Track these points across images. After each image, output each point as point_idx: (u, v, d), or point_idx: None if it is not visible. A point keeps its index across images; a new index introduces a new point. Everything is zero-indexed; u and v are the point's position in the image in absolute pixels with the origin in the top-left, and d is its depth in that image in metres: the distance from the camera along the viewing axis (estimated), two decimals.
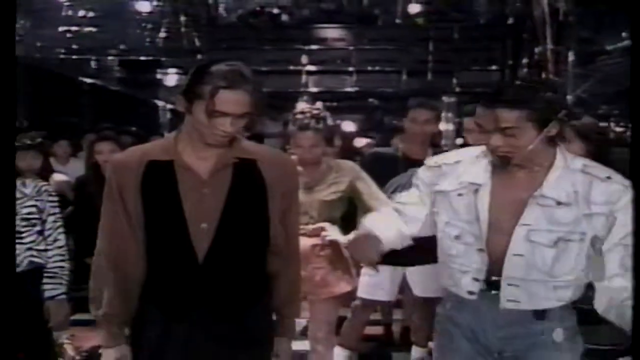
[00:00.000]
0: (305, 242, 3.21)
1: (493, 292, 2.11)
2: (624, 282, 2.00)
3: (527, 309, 2.11)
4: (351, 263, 3.52)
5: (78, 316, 3.90)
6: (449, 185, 2.20)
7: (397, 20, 11.99)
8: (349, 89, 11.12)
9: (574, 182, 2.07)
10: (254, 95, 2.01)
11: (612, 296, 2.03)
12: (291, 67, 11.11)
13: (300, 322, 4.66)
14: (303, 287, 3.27)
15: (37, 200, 3.32)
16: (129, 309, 2.13)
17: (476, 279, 2.13)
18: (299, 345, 4.05)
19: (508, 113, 2.02)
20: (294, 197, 2.28)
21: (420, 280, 3.94)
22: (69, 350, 4.44)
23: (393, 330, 5.00)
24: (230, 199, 2.07)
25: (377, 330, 5.00)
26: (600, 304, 2.08)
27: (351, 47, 11.10)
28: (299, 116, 3.24)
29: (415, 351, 4.18)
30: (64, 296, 3.31)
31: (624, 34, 9.46)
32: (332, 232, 3.24)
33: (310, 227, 3.23)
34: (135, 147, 2.28)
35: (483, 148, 2.17)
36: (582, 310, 2.27)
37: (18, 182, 3.32)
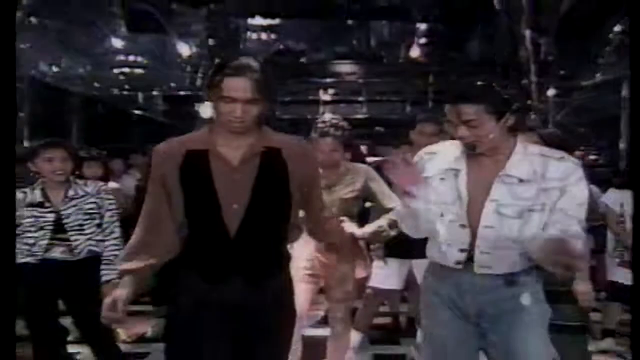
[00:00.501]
0: None
1: (470, 263, 2.12)
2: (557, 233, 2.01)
3: (497, 274, 2.11)
4: (365, 254, 3.52)
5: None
6: (432, 172, 2.21)
7: (401, 60, 12.06)
8: (360, 116, 11.14)
9: (533, 163, 2.09)
10: (259, 82, 1.99)
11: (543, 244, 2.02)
12: (310, 98, 11.17)
13: (318, 313, 4.66)
14: (325, 276, 3.31)
15: (97, 198, 3.33)
16: (147, 272, 2.14)
17: (462, 250, 2.13)
18: (320, 332, 4.05)
19: (468, 108, 2.05)
20: (315, 180, 2.28)
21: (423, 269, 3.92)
22: (121, 334, 4.45)
23: (400, 320, 4.97)
24: (258, 184, 2.07)
25: (387, 320, 4.99)
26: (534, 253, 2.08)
27: (361, 81, 11.16)
28: (321, 125, 3.23)
29: (420, 333, 4.14)
30: (116, 279, 3.30)
31: (597, 75, 9.52)
32: (350, 226, 3.23)
33: None
34: (176, 138, 2.28)
35: (457, 142, 2.18)
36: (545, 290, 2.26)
37: (81, 182, 3.37)
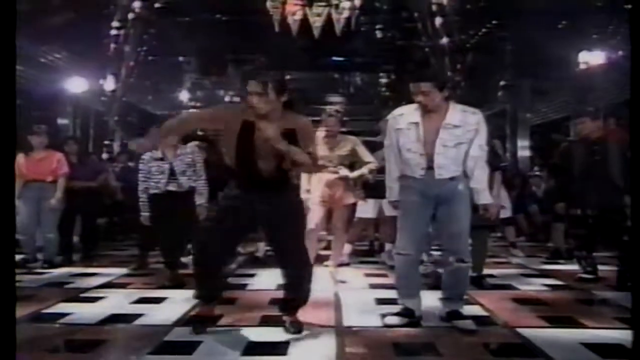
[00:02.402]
0: (330, 176, 3.64)
1: (430, 171, 2.52)
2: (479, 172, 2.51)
3: (446, 177, 2.51)
4: (354, 188, 3.85)
5: None
6: (402, 125, 2.56)
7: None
8: (343, 129, 11.16)
9: (459, 115, 2.50)
10: (264, 83, 2.24)
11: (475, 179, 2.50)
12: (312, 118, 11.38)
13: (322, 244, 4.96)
14: (330, 202, 3.68)
15: (192, 154, 3.62)
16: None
17: (422, 168, 2.53)
18: (325, 252, 4.38)
19: (424, 84, 2.47)
20: (310, 139, 2.45)
21: (388, 206, 4.27)
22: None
23: (374, 245, 5.28)
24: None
25: (365, 247, 5.32)
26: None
27: (345, 106, 11.39)
28: (328, 110, 3.71)
29: (387, 246, 4.48)
30: (205, 204, 3.62)
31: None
32: (344, 171, 3.66)
33: (332, 168, 3.63)
34: (235, 109, 2.49)
35: (415, 105, 2.55)
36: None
37: (183, 145, 3.61)
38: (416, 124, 2.52)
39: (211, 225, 2.47)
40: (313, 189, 3.67)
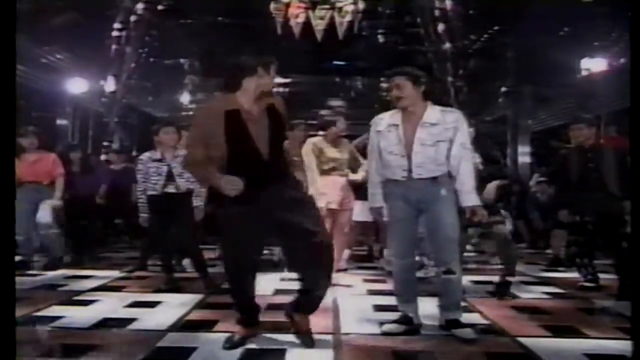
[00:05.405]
0: (343, 180, 3.71)
1: (411, 173, 2.47)
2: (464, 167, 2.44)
3: (425, 177, 2.45)
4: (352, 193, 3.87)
5: None
6: (382, 127, 2.54)
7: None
8: (344, 133, 11.13)
9: (438, 114, 2.47)
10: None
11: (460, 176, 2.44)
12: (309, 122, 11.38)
13: None
14: (340, 205, 3.71)
15: None
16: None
17: (404, 170, 2.48)
18: None
19: (398, 78, 2.46)
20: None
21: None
22: None
23: (373, 250, 5.22)
24: (271, 125, 2.23)
25: (364, 252, 5.26)
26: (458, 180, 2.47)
27: (345, 110, 11.39)
28: (338, 112, 3.74)
29: (386, 251, 4.40)
30: (202, 206, 3.59)
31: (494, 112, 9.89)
32: (353, 174, 3.73)
33: (342, 172, 3.71)
34: (213, 104, 2.36)
35: (396, 110, 2.51)
36: None
37: (180, 145, 3.51)
38: (396, 125, 2.50)
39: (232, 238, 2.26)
40: (325, 193, 3.61)
